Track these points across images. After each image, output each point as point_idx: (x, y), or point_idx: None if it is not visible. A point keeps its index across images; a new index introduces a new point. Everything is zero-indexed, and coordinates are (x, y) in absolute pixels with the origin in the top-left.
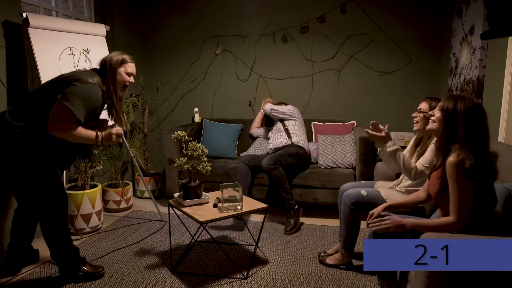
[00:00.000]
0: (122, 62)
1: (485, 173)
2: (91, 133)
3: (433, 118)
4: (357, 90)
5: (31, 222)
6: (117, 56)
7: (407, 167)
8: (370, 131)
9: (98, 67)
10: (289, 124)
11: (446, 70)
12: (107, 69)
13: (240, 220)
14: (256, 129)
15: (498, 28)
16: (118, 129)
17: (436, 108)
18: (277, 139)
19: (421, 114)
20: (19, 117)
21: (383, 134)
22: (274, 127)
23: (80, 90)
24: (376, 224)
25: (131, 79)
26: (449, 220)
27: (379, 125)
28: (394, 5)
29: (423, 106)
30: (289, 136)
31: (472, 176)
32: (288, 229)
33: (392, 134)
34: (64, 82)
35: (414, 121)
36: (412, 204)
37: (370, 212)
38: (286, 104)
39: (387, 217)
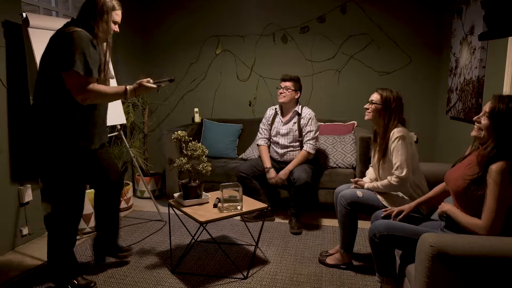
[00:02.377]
0: (113, 9)
1: None
2: (119, 87)
3: (478, 125)
4: (357, 90)
5: (110, 210)
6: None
7: (389, 190)
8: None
9: (77, 17)
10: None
11: (446, 70)
12: (92, 17)
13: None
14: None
15: (496, 29)
16: (146, 79)
17: (482, 114)
18: (292, 154)
19: (373, 106)
20: (44, 104)
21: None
22: (287, 136)
23: (75, 45)
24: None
25: (116, 27)
26: (479, 226)
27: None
28: (394, 5)
29: (374, 97)
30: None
31: None
32: (296, 227)
33: None
34: (57, 50)
35: (366, 112)
36: (436, 196)
37: (399, 209)
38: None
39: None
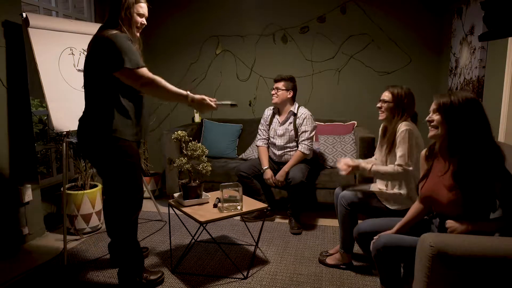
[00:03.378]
0: (136, 2)
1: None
2: (181, 90)
3: (433, 124)
4: (357, 90)
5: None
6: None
7: (390, 177)
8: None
9: (107, 18)
10: (303, 136)
11: (446, 70)
12: (119, 14)
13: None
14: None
15: (495, 29)
16: (211, 100)
17: (431, 113)
18: (290, 154)
19: (386, 104)
20: (97, 103)
21: (350, 169)
22: (283, 137)
23: (117, 46)
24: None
25: (143, 20)
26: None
27: (347, 166)
28: (394, 5)
29: (386, 95)
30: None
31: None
32: (296, 228)
33: None
34: (102, 55)
35: (379, 112)
36: (416, 218)
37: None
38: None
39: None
